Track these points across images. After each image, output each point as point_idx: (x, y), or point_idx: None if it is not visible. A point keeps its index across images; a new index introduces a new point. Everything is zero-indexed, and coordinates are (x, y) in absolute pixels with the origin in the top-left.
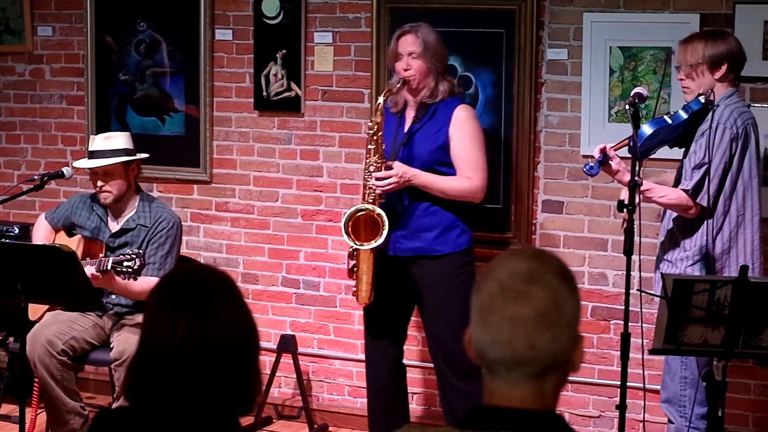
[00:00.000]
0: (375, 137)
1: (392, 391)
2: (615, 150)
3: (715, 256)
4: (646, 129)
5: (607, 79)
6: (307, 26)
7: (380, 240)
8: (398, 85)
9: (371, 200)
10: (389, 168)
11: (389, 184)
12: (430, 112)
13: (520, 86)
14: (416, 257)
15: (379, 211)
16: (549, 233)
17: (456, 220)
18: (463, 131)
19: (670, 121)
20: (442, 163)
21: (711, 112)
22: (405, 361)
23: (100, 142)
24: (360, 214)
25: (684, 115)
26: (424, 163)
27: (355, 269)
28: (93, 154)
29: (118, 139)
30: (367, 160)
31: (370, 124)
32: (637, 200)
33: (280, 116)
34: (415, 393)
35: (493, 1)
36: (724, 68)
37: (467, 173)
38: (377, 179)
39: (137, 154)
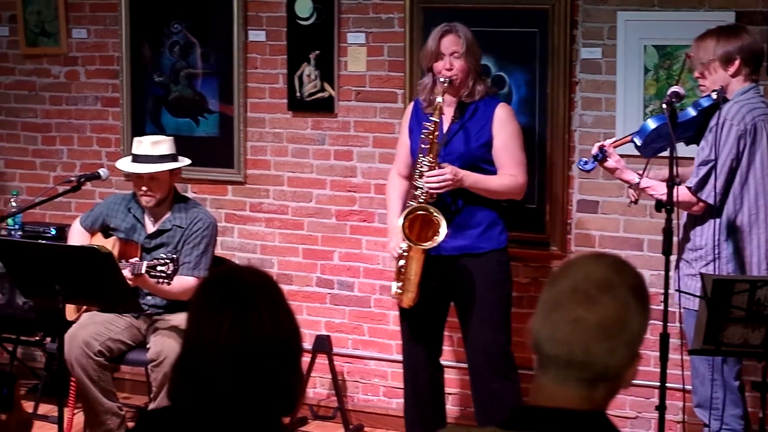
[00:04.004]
0: (431, 136)
1: (429, 391)
2: (615, 147)
3: (729, 256)
4: (650, 123)
5: (642, 77)
6: (340, 27)
7: (439, 239)
8: (445, 85)
9: (422, 200)
10: (442, 168)
11: (444, 183)
12: (470, 111)
13: (554, 86)
14: (460, 255)
15: (437, 212)
16: (584, 233)
17: (497, 217)
18: (505, 129)
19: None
20: (484, 161)
21: (719, 109)
22: (443, 362)
23: (147, 146)
24: (417, 214)
25: (693, 113)
26: (468, 161)
27: (404, 270)
28: (138, 158)
29: (165, 145)
30: (421, 159)
31: (428, 123)
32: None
33: (314, 117)
34: (451, 394)
35: (526, 1)
36: (736, 64)
37: (511, 171)
38: (431, 177)
39: (180, 159)
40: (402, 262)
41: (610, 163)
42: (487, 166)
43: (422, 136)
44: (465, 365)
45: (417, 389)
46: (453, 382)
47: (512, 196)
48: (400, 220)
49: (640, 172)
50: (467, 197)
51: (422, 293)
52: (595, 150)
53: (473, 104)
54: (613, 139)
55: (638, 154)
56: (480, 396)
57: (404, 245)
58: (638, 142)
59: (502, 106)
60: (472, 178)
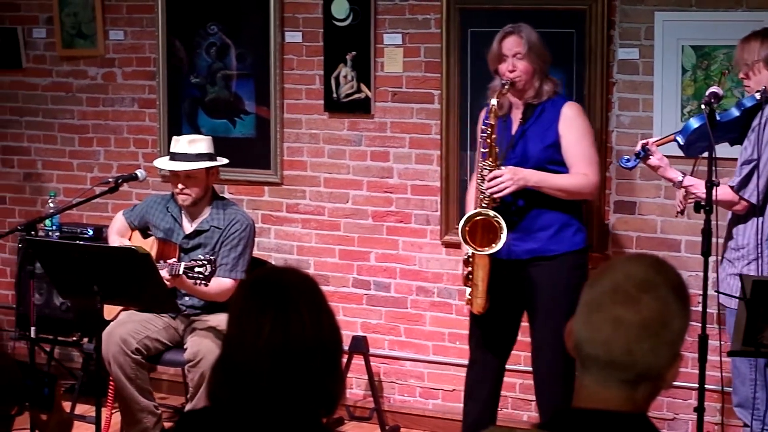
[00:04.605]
0: (489, 140)
1: (489, 396)
2: (658, 145)
3: None
4: (693, 122)
5: (680, 78)
6: (376, 28)
7: (499, 244)
8: (506, 88)
9: (485, 204)
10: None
11: (503, 186)
12: (537, 112)
13: (591, 86)
14: (532, 259)
15: (496, 215)
16: (621, 234)
17: (571, 218)
18: (573, 128)
19: (718, 118)
20: (554, 162)
21: (762, 109)
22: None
23: (184, 145)
24: (477, 219)
25: (736, 113)
26: (536, 163)
27: (471, 276)
28: (175, 156)
29: (202, 144)
30: (481, 164)
31: (484, 126)
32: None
33: (350, 118)
34: (508, 396)
35: (563, 1)
36: None
37: (582, 169)
38: (490, 181)
39: (218, 159)
40: (469, 268)
41: (653, 160)
42: (556, 167)
43: (480, 140)
44: (522, 368)
45: (476, 395)
46: (508, 385)
47: (584, 195)
48: (460, 226)
49: (685, 171)
50: (531, 199)
51: (494, 300)
52: (638, 147)
53: (540, 105)
54: (657, 138)
55: (681, 154)
56: (544, 400)
57: (469, 251)
58: (681, 141)
59: (570, 104)
60: (536, 177)
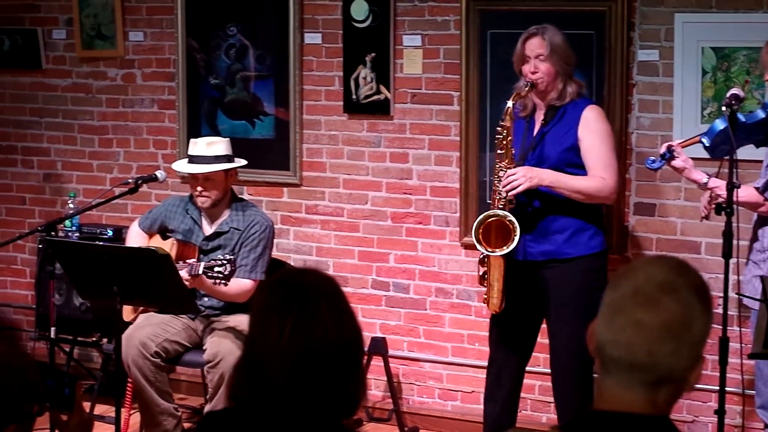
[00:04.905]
0: (504, 142)
1: (508, 397)
2: (683, 147)
3: None
4: (719, 124)
5: (700, 80)
6: (396, 29)
7: (512, 245)
8: (526, 89)
9: (501, 206)
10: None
11: (517, 183)
12: (559, 114)
13: (610, 88)
14: (547, 261)
15: (510, 216)
16: (641, 236)
17: (586, 222)
18: (593, 131)
19: (743, 119)
20: (572, 164)
21: None
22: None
23: (203, 147)
24: (491, 220)
25: (761, 114)
26: (554, 165)
27: (486, 276)
28: (194, 159)
29: (220, 146)
30: (497, 165)
31: (499, 128)
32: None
33: (370, 119)
34: (527, 398)
35: (583, 3)
36: None
37: (600, 173)
38: (505, 179)
39: (236, 160)
40: (484, 269)
41: (678, 162)
42: (575, 170)
43: (495, 141)
44: (542, 370)
45: (496, 396)
46: (528, 387)
47: (601, 199)
48: (473, 228)
49: (709, 172)
50: (547, 202)
51: (512, 300)
52: (663, 149)
53: (563, 107)
54: (682, 139)
55: (706, 156)
56: (563, 403)
57: (482, 251)
58: (706, 142)
59: (591, 107)
60: (551, 177)
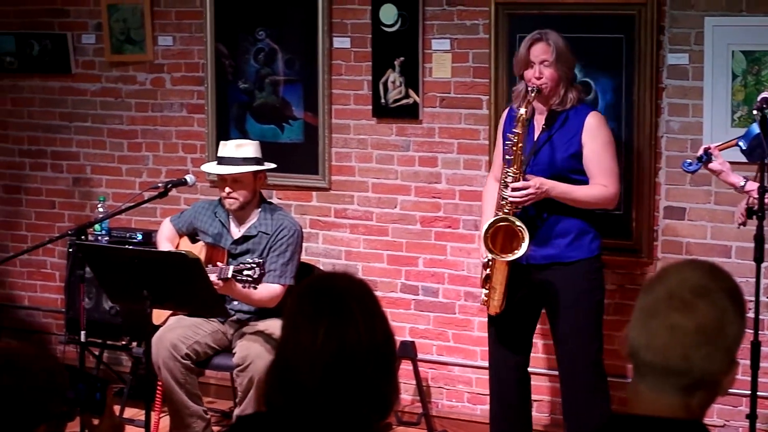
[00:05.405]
0: (515, 148)
1: (516, 399)
2: (720, 150)
3: None
4: (755, 127)
5: (730, 83)
6: (424, 33)
7: (520, 252)
8: (533, 95)
9: (507, 211)
10: (526, 180)
11: (527, 197)
12: (560, 120)
13: (640, 92)
14: (549, 264)
15: (519, 222)
16: (670, 240)
17: (588, 225)
18: (596, 138)
19: None
20: (575, 171)
21: None
22: (530, 369)
23: (232, 149)
24: (501, 224)
25: None
26: (557, 171)
27: (489, 279)
28: (223, 161)
29: (249, 148)
30: (506, 170)
31: (511, 135)
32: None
33: (399, 123)
34: (540, 401)
35: (612, 7)
36: None
37: (602, 181)
38: (513, 190)
39: (265, 164)
40: (488, 271)
41: (715, 165)
42: (577, 176)
43: (505, 147)
44: (555, 372)
45: (503, 395)
46: (542, 389)
47: (603, 206)
48: (482, 232)
49: (746, 175)
50: (552, 207)
51: (510, 300)
52: (700, 151)
53: (564, 113)
54: (719, 142)
55: (743, 159)
56: (569, 404)
57: (489, 256)
58: (743, 146)
59: (593, 114)
60: (559, 189)
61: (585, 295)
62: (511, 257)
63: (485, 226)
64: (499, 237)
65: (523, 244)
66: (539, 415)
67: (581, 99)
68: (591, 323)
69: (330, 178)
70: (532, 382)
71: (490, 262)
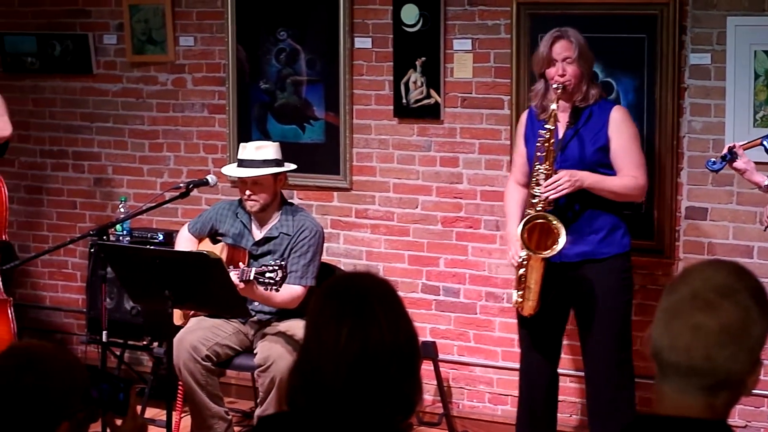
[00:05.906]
0: (546, 144)
1: (544, 400)
2: (745, 149)
3: None
4: None
5: (752, 83)
6: (446, 33)
7: (558, 248)
8: (559, 92)
9: (540, 208)
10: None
11: (562, 187)
12: (585, 116)
13: (662, 91)
14: (582, 262)
15: (554, 219)
16: (692, 240)
17: (619, 221)
18: (622, 132)
19: None
20: (603, 165)
21: None
22: (558, 370)
23: (252, 151)
24: (537, 221)
25: None
26: (587, 165)
27: (524, 279)
28: (243, 163)
29: (270, 149)
30: (537, 167)
31: (542, 131)
32: None
33: (420, 123)
34: (567, 402)
35: (634, 7)
36: None
37: (632, 172)
38: (548, 184)
39: (285, 164)
40: (522, 271)
41: (740, 164)
42: (604, 170)
43: (537, 144)
44: (581, 373)
45: (533, 397)
46: (569, 390)
47: (633, 198)
48: (519, 229)
49: None
50: (585, 202)
51: (543, 301)
52: (724, 150)
53: (587, 109)
54: (744, 141)
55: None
56: (595, 405)
57: (523, 254)
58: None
59: (618, 108)
60: (592, 178)
61: (616, 294)
62: (549, 253)
63: (521, 224)
64: (534, 235)
65: (560, 239)
66: (562, 415)
67: (603, 95)
68: (619, 323)
69: (351, 178)
70: (560, 384)
71: (524, 262)
